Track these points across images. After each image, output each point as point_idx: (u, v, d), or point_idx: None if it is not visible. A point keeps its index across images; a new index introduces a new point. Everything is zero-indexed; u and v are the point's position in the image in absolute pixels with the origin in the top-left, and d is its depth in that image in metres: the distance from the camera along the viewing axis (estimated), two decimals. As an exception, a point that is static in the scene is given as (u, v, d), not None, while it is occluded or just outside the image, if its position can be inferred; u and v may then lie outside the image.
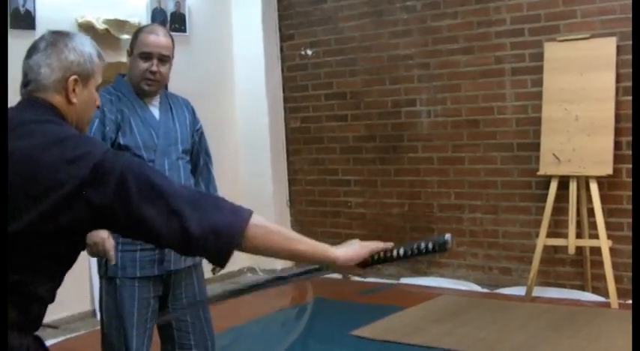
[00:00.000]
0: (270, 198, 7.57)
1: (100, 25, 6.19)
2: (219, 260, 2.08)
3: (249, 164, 7.61)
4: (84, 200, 1.96)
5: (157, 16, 6.77)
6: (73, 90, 2.16)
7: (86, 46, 2.21)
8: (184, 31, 6.99)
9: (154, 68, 3.34)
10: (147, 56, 3.34)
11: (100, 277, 3.42)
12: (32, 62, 2.16)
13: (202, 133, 3.68)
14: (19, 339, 2.01)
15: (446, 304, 6.07)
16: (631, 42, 5.61)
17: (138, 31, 3.46)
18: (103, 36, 6.21)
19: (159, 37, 3.39)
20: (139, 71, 3.34)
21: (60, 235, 2.00)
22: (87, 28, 6.17)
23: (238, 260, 7.42)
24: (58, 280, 2.10)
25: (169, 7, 6.88)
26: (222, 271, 6.78)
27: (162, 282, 3.36)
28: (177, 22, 6.94)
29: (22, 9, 5.75)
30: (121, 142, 3.30)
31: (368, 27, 7.07)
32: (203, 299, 2.89)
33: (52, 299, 2.10)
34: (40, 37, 2.21)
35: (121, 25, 6.30)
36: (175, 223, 1.99)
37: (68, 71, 2.15)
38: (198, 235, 1.99)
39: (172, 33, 6.63)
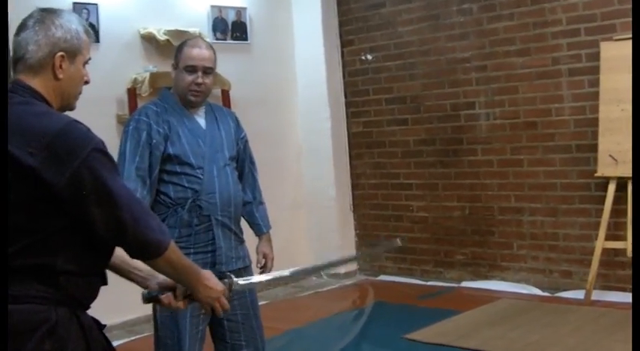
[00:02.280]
0: (332, 202, 7.64)
1: (161, 36, 6.36)
2: (140, 259, 2.36)
3: (311, 169, 7.68)
4: (36, 176, 2.10)
5: (218, 25, 6.92)
6: (60, 66, 2.24)
7: (73, 22, 2.28)
8: (246, 39, 7.11)
9: (199, 80, 3.46)
10: (192, 69, 3.47)
11: None
12: (20, 39, 2.25)
13: (247, 141, 3.80)
14: (46, 312, 2.13)
15: (503, 307, 6.03)
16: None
17: (182, 45, 3.59)
18: (164, 46, 6.39)
19: (202, 50, 3.51)
20: (185, 83, 3.47)
21: (35, 208, 2.13)
22: (149, 39, 6.37)
23: (303, 264, 7.50)
24: (79, 253, 2.20)
25: (230, 16, 7.01)
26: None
27: None
28: (238, 30, 7.07)
29: (86, 23, 5.96)
30: (170, 152, 3.43)
31: (425, 31, 7.08)
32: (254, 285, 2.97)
33: (85, 271, 2.23)
34: (29, 14, 2.29)
35: (181, 35, 6.43)
36: (114, 228, 2.20)
37: (55, 47, 2.23)
38: (131, 243, 2.25)
39: (233, 42, 6.94)
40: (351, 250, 7.78)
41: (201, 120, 3.58)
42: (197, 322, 3.44)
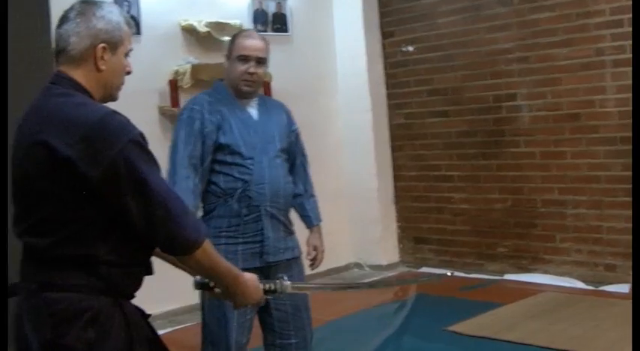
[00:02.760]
0: (374, 194, 7.64)
1: (202, 28, 6.40)
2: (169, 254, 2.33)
3: (352, 160, 7.69)
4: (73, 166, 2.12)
5: (259, 17, 6.95)
6: (102, 57, 2.26)
7: (114, 14, 2.31)
8: (286, 31, 7.13)
9: (252, 70, 3.51)
10: (245, 59, 3.51)
11: None
12: (62, 31, 2.28)
13: (298, 134, 3.83)
14: (89, 300, 2.18)
15: (545, 300, 5.99)
16: None
17: (235, 36, 3.65)
18: (205, 38, 6.43)
19: (255, 41, 3.57)
20: (238, 73, 3.52)
21: (72, 199, 2.17)
22: (190, 31, 6.41)
23: (344, 255, 7.58)
24: (118, 243, 2.23)
25: (270, 8, 7.03)
26: (328, 266, 6.99)
27: (262, 274, 3.31)
28: (278, 22, 7.09)
29: (127, 15, 6.01)
30: (222, 141, 3.48)
31: (466, 22, 7.04)
32: (303, 286, 2.99)
33: (127, 262, 2.27)
34: (71, 6, 2.31)
35: (221, 27, 6.50)
36: (146, 221, 2.20)
37: (97, 39, 2.25)
38: (160, 238, 2.26)
39: (274, 33, 6.97)
40: (392, 242, 7.78)
41: (253, 111, 3.62)
42: (244, 311, 3.43)
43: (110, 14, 2.30)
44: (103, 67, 2.27)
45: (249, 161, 3.49)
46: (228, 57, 3.60)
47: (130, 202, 2.16)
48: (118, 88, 2.38)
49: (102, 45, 2.26)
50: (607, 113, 6.25)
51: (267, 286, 2.65)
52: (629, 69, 6.04)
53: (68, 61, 2.28)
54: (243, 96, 3.59)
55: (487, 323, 5.47)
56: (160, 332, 5.21)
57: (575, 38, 6.35)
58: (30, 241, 2.23)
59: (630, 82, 6.01)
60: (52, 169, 2.15)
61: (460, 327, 5.38)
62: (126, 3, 6.00)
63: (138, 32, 6.03)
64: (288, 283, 2.71)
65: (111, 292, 2.23)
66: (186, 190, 3.35)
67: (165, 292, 4.62)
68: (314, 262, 3.82)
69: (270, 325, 3.64)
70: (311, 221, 3.86)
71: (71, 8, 2.31)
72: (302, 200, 3.81)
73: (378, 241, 7.70)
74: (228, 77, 3.62)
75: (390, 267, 7.65)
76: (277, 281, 2.69)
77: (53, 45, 2.34)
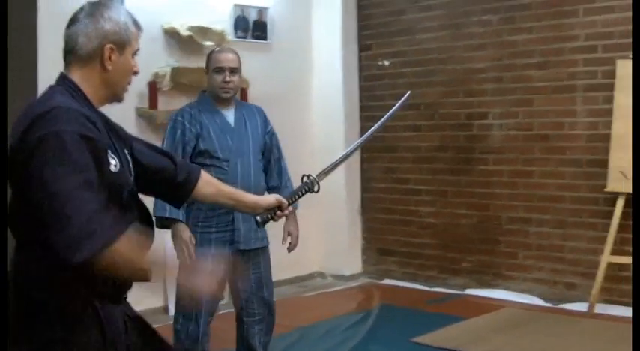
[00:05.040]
0: (343, 204, 7.72)
1: (184, 32, 6.44)
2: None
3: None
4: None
5: (240, 23, 7.01)
6: (109, 58, 2.32)
7: (122, 15, 2.37)
8: (265, 38, 7.20)
9: (227, 78, 4.19)
10: (220, 70, 4.20)
11: None
12: (71, 32, 2.33)
13: (273, 133, 4.45)
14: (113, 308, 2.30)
15: (508, 316, 6.13)
16: None
17: (211, 53, 4.36)
18: (187, 42, 6.48)
19: (227, 54, 4.28)
20: (217, 82, 4.20)
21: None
22: (172, 33, 6.44)
23: (309, 264, 7.66)
24: None
25: (252, 15, 7.10)
26: (292, 274, 7.10)
27: (233, 259, 4.04)
28: (259, 30, 7.16)
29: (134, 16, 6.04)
30: (202, 148, 4.14)
31: (445, 39, 7.17)
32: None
33: None
34: (80, 8, 2.38)
35: (204, 31, 6.55)
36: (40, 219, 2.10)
37: (105, 40, 2.31)
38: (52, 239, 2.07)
39: (254, 41, 7.03)
40: (357, 253, 7.88)
41: (230, 117, 4.26)
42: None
43: (118, 15, 2.35)
44: (109, 68, 2.32)
45: (225, 163, 4.14)
46: (207, 71, 4.28)
47: (28, 193, 2.11)
48: (124, 89, 2.44)
49: (109, 45, 2.32)
50: (575, 136, 6.42)
51: (265, 216, 2.92)
52: (600, 94, 6.24)
53: (75, 61, 2.33)
54: (222, 102, 4.26)
55: (452, 336, 5.59)
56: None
57: (550, 61, 6.52)
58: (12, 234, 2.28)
59: (599, 106, 6.22)
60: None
61: (426, 338, 5.49)
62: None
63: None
64: (314, 176, 3.13)
65: (80, 291, 2.21)
66: None
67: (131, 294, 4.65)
68: (290, 247, 4.40)
69: (239, 304, 4.30)
70: None
71: (80, 9, 2.37)
72: (278, 192, 4.09)
73: (342, 252, 7.79)
74: (209, 88, 4.28)
75: (352, 277, 7.74)
76: (309, 180, 3.11)
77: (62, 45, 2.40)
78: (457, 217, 7.18)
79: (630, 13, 6.01)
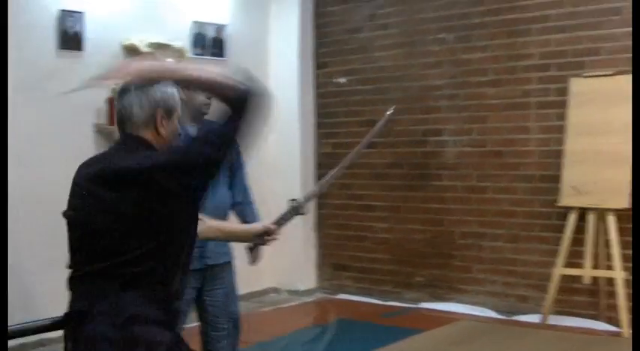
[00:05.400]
0: (297, 220, 7.66)
1: (144, 48, 6.45)
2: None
3: (279, 187, 7.80)
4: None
5: (199, 40, 7.06)
6: (161, 123, 2.57)
7: (168, 85, 2.61)
8: (223, 55, 7.26)
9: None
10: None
11: None
12: (125, 103, 2.57)
13: (237, 150, 4.27)
14: (162, 335, 2.46)
15: (463, 328, 6.22)
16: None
17: None
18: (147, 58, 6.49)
19: None
20: (201, 100, 4.00)
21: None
22: (131, 50, 6.44)
23: (264, 280, 7.68)
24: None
25: (210, 32, 7.16)
26: (247, 290, 7.12)
27: (201, 275, 3.94)
28: (216, 47, 7.21)
29: (70, 31, 6.05)
30: None
31: (401, 57, 7.30)
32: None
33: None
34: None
35: (163, 48, 6.57)
36: None
37: (156, 108, 2.56)
38: None
39: (211, 58, 7.05)
40: (311, 268, 7.93)
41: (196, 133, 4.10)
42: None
43: (165, 86, 2.59)
44: (162, 131, 2.58)
45: None
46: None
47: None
48: None
49: (161, 112, 2.57)
50: (528, 152, 6.58)
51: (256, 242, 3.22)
52: (552, 111, 6.41)
53: (133, 127, 2.57)
54: (197, 119, 4.02)
55: (410, 349, 5.65)
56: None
57: (504, 79, 6.69)
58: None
59: (552, 123, 6.38)
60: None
61: (384, 352, 5.56)
62: (70, 19, 6.03)
63: (80, 48, 6.09)
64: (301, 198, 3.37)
65: (175, 327, 2.50)
66: None
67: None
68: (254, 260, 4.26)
69: (205, 318, 4.15)
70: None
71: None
72: (242, 207, 4.27)
73: (297, 267, 7.83)
74: (187, 103, 4.00)
75: (307, 292, 7.78)
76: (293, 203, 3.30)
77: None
78: (411, 232, 7.28)
79: (582, 33, 6.24)
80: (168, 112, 2.59)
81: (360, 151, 3.70)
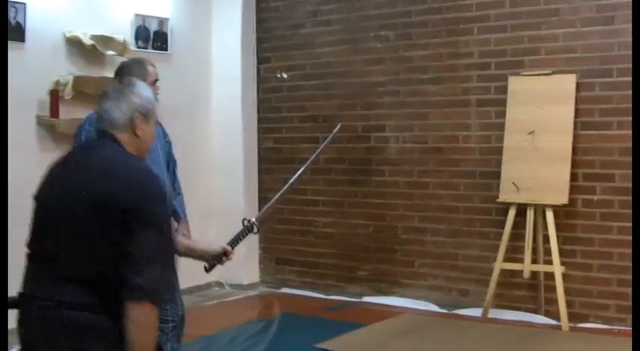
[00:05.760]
0: (241, 214, 7.72)
1: (87, 41, 6.40)
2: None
3: (221, 181, 7.83)
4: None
5: (141, 33, 7.02)
6: (139, 126, 2.76)
7: (146, 90, 2.85)
8: (166, 49, 7.23)
9: (157, 91, 4.21)
10: (155, 82, 4.26)
11: None
12: (106, 106, 2.77)
13: (171, 143, 4.49)
14: (95, 320, 2.54)
15: (407, 321, 6.33)
16: (590, 80, 6.05)
17: (145, 64, 4.34)
18: (90, 51, 6.44)
19: (155, 67, 4.35)
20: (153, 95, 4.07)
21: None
22: (74, 42, 6.39)
23: (205, 275, 7.64)
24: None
25: (153, 25, 7.12)
26: (191, 284, 7.11)
27: None
28: (159, 40, 7.18)
29: (12, 21, 5.96)
30: None
31: (343, 54, 7.36)
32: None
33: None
34: (110, 86, 2.90)
35: (106, 41, 6.53)
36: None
37: (135, 112, 2.76)
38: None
39: (154, 51, 7.04)
40: (254, 263, 7.96)
41: None
42: None
43: (143, 91, 2.83)
44: (139, 133, 2.77)
45: None
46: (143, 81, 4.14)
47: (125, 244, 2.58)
48: (147, 152, 2.90)
49: (139, 116, 2.77)
50: (469, 148, 6.70)
51: (212, 262, 3.35)
52: (492, 109, 6.53)
53: (113, 129, 2.74)
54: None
55: (356, 341, 5.74)
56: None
57: (445, 77, 6.78)
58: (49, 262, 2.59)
59: (492, 120, 6.51)
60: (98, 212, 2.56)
61: (329, 344, 5.61)
62: (13, 9, 5.95)
63: (22, 39, 6.01)
64: (253, 219, 3.52)
65: (112, 313, 2.55)
66: None
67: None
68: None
69: None
70: (178, 214, 4.38)
71: (110, 87, 2.87)
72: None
73: (240, 261, 7.77)
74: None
75: (250, 286, 7.81)
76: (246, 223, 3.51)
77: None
78: (354, 227, 7.36)
79: (522, 33, 6.36)
80: (146, 115, 2.78)
81: (309, 168, 3.83)
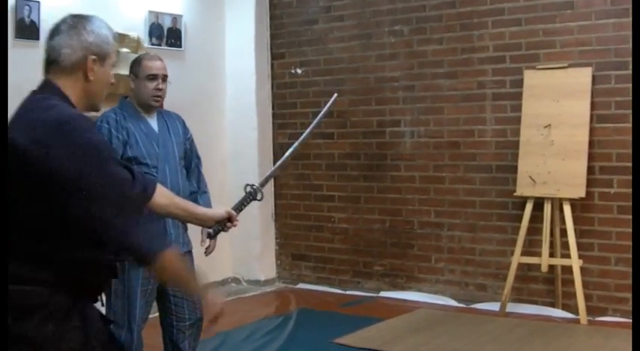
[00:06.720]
0: (255, 211, 7.76)
1: (100, 38, 6.40)
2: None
3: (236, 177, 7.80)
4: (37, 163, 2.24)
5: (154, 30, 7.02)
6: (92, 69, 2.40)
7: (103, 28, 2.47)
8: (179, 46, 7.23)
9: (160, 86, 4.12)
10: (153, 77, 4.09)
11: None
12: (54, 43, 2.41)
13: (192, 140, 4.41)
14: (46, 296, 2.27)
15: (423, 316, 6.33)
16: (605, 72, 6.01)
17: (141, 59, 4.21)
18: (103, 49, 6.44)
19: (160, 62, 4.18)
20: (150, 90, 4.08)
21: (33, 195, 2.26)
22: (87, 40, 6.39)
23: (223, 270, 7.71)
24: (75, 241, 2.29)
25: (166, 22, 7.12)
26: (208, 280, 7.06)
27: None
28: (173, 37, 7.18)
29: (27, 19, 5.98)
30: (130, 155, 4.00)
31: (356, 49, 7.34)
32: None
33: (86, 260, 2.32)
34: (62, 19, 2.46)
35: (121, 38, 6.51)
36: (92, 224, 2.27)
37: (87, 51, 2.40)
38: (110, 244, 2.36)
39: (168, 48, 7.04)
40: (271, 258, 7.97)
41: (154, 124, 4.17)
42: (146, 294, 4.07)
43: (99, 28, 2.45)
44: (91, 78, 2.41)
45: (153, 170, 4.03)
46: (136, 77, 4.12)
47: (76, 202, 2.24)
48: (102, 99, 2.52)
49: (92, 57, 2.40)
50: (484, 142, 6.67)
51: (217, 228, 3.07)
52: (507, 102, 6.50)
53: (59, 72, 2.40)
54: (149, 110, 4.15)
55: (372, 336, 5.74)
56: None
57: (459, 71, 6.76)
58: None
59: (508, 114, 6.48)
60: (18, 166, 2.24)
61: (346, 339, 5.63)
62: (27, 7, 5.96)
63: (37, 38, 6.01)
64: (256, 185, 3.34)
65: (69, 290, 2.31)
66: None
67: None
68: (208, 249, 4.21)
69: (169, 309, 4.20)
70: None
71: (62, 21, 2.45)
72: (196, 196, 4.28)
73: (256, 257, 7.86)
74: (136, 94, 4.14)
75: (267, 282, 7.82)
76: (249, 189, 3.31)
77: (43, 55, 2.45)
78: (369, 222, 7.35)
79: (536, 26, 6.33)
80: (101, 57, 2.42)
81: (311, 132, 3.68)
